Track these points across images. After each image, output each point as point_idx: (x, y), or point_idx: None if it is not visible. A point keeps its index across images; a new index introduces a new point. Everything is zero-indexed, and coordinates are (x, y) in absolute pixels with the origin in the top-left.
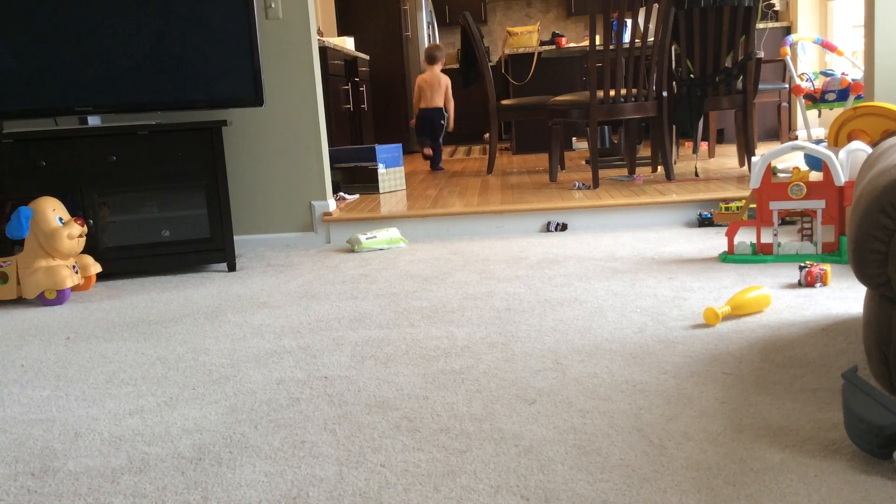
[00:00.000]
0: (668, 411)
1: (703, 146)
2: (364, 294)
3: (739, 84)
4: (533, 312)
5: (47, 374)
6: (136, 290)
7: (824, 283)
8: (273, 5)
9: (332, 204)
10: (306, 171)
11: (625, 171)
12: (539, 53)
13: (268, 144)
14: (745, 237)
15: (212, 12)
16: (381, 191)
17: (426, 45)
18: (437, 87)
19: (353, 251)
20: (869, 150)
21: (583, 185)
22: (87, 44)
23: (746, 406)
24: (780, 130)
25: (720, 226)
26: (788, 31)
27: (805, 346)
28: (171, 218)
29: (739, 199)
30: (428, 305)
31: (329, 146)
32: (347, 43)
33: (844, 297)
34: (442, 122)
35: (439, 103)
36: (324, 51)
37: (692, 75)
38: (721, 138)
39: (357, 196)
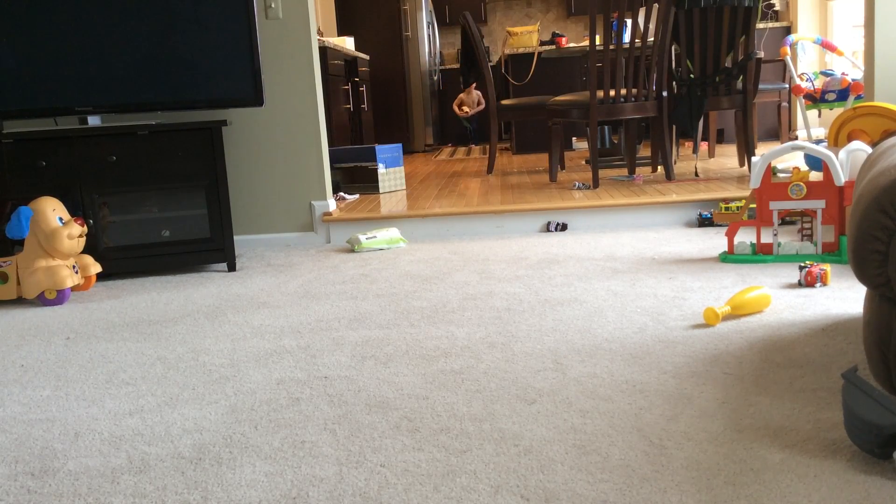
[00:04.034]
0: (668, 411)
1: (703, 146)
2: (364, 294)
3: (739, 84)
4: (533, 312)
5: (47, 374)
6: (136, 290)
7: (824, 283)
8: (273, 5)
9: (332, 204)
10: (306, 171)
11: (625, 171)
12: (539, 53)
13: (268, 144)
14: (745, 237)
15: (212, 12)
16: (381, 191)
17: (427, 47)
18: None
19: (353, 251)
20: (869, 150)
21: (583, 185)
22: (87, 44)
23: (746, 406)
24: (780, 130)
25: (720, 226)
26: (788, 31)
27: (805, 346)
28: (171, 218)
29: (739, 199)
30: (428, 305)
31: (329, 146)
32: (347, 43)
33: (844, 297)
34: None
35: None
36: (324, 51)
37: (692, 75)
38: (721, 138)
39: (357, 196)
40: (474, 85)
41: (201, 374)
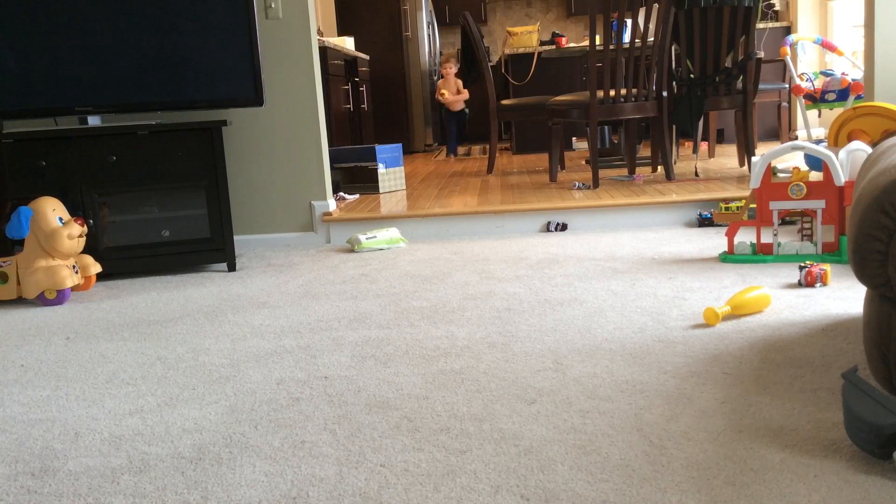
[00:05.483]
0: (668, 411)
1: (703, 146)
2: (364, 294)
3: (739, 84)
4: (533, 312)
5: (47, 374)
6: (136, 290)
7: (824, 283)
8: (273, 5)
9: (332, 204)
10: (306, 171)
11: (625, 171)
12: (539, 53)
13: (268, 144)
14: (745, 237)
15: (212, 12)
16: (381, 191)
17: (427, 47)
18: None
19: (353, 251)
20: (869, 150)
21: (583, 185)
22: (88, 43)
23: (746, 406)
24: (780, 130)
25: (720, 226)
26: (788, 31)
27: (805, 346)
28: (171, 218)
29: (739, 199)
30: (428, 305)
31: (329, 146)
32: (347, 43)
33: (844, 297)
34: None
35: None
36: (324, 51)
37: (692, 75)
38: (721, 138)
39: (357, 196)
40: (454, 70)
41: (201, 374)
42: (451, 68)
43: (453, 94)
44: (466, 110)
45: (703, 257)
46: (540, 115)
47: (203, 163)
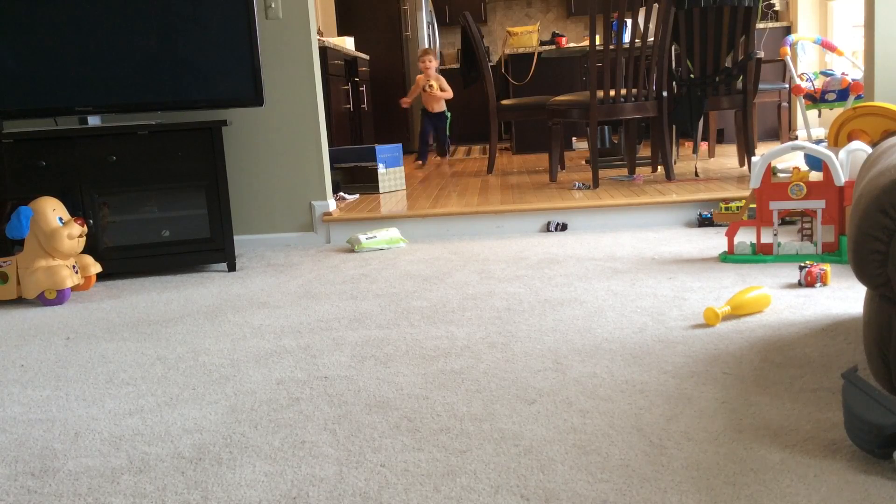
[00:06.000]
0: (668, 411)
1: (703, 146)
2: (364, 294)
3: (739, 84)
4: (533, 312)
5: (47, 374)
6: (136, 290)
7: (824, 283)
8: (273, 5)
9: (332, 204)
10: (306, 171)
11: (625, 171)
12: (539, 53)
13: (268, 144)
14: (745, 237)
15: (212, 12)
16: (381, 191)
17: (426, 46)
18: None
19: (353, 251)
20: (869, 150)
21: (583, 185)
22: (88, 44)
23: (746, 406)
24: (780, 130)
25: (720, 226)
26: (788, 31)
27: (805, 346)
28: (171, 218)
29: (739, 199)
30: (428, 305)
31: (329, 146)
32: (347, 43)
33: (844, 297)
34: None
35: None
36: (324, 51)
37: (692, 75)
38: (721, 138)
39: (357, 196)
40: (434, 64)
41: (201, 374)
42: (431, 61)
43: (418, 91)
44: (447, 113)
45: (703, 257)
46: (540, 115)
47: (203, 163)
